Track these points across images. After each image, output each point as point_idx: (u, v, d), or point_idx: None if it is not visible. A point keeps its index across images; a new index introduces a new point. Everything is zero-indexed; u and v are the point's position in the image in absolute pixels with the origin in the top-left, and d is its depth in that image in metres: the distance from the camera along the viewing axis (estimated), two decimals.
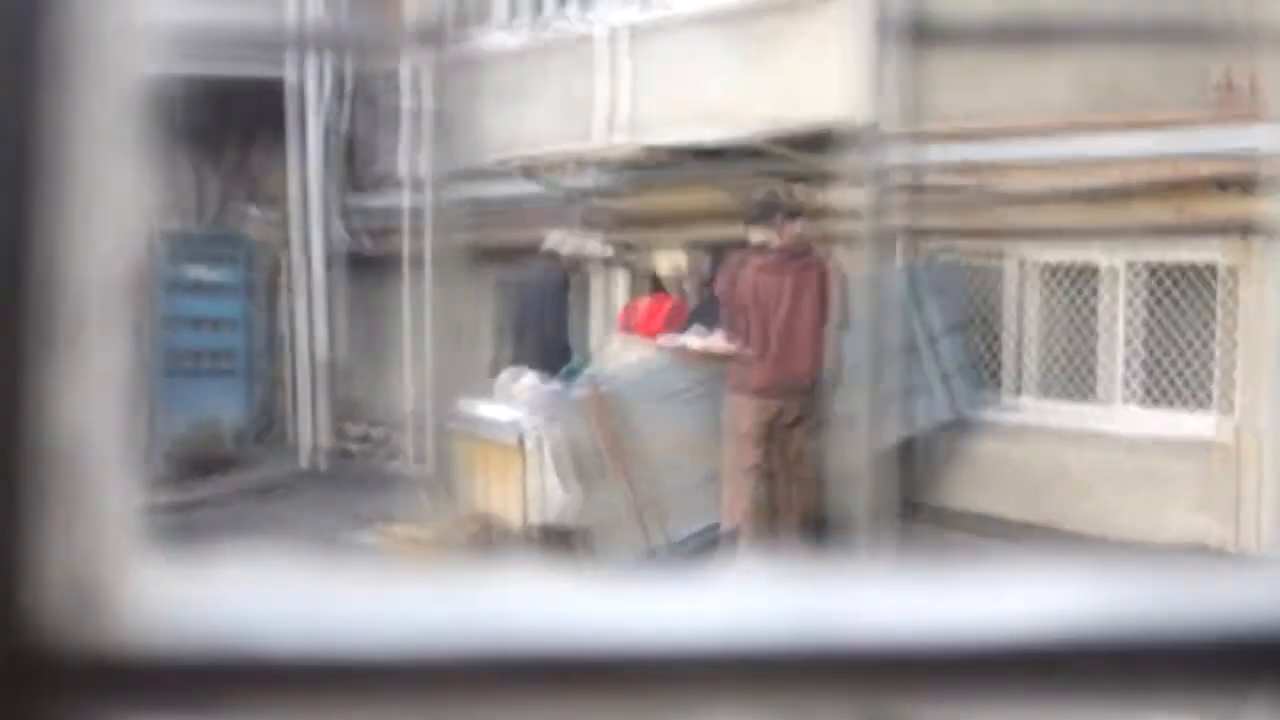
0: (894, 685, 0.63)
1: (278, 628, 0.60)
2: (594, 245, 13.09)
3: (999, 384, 11.90)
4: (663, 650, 0.61)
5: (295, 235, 16.62)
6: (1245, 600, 0.64)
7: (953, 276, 11.79)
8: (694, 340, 10.58)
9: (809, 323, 10.33)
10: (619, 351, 11.62)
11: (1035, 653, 0.63)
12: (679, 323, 11.47)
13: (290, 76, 16.23)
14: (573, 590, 0.63)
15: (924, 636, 0.62)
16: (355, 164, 16.98)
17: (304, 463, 16.26)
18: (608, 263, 14.17)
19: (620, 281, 14.59)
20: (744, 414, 10.20)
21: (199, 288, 17.45)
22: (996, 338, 11.96)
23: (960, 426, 11.57)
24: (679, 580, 0.64)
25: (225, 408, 17.24)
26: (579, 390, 10.80)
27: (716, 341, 10.40)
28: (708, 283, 11.41)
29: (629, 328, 12.21)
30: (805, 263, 10.53)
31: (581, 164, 13.66)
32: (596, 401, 10.36)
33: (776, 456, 10.28)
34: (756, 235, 10.44)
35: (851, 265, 11.73)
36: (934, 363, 11.40)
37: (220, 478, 15.64)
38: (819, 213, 11.62)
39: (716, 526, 10.38)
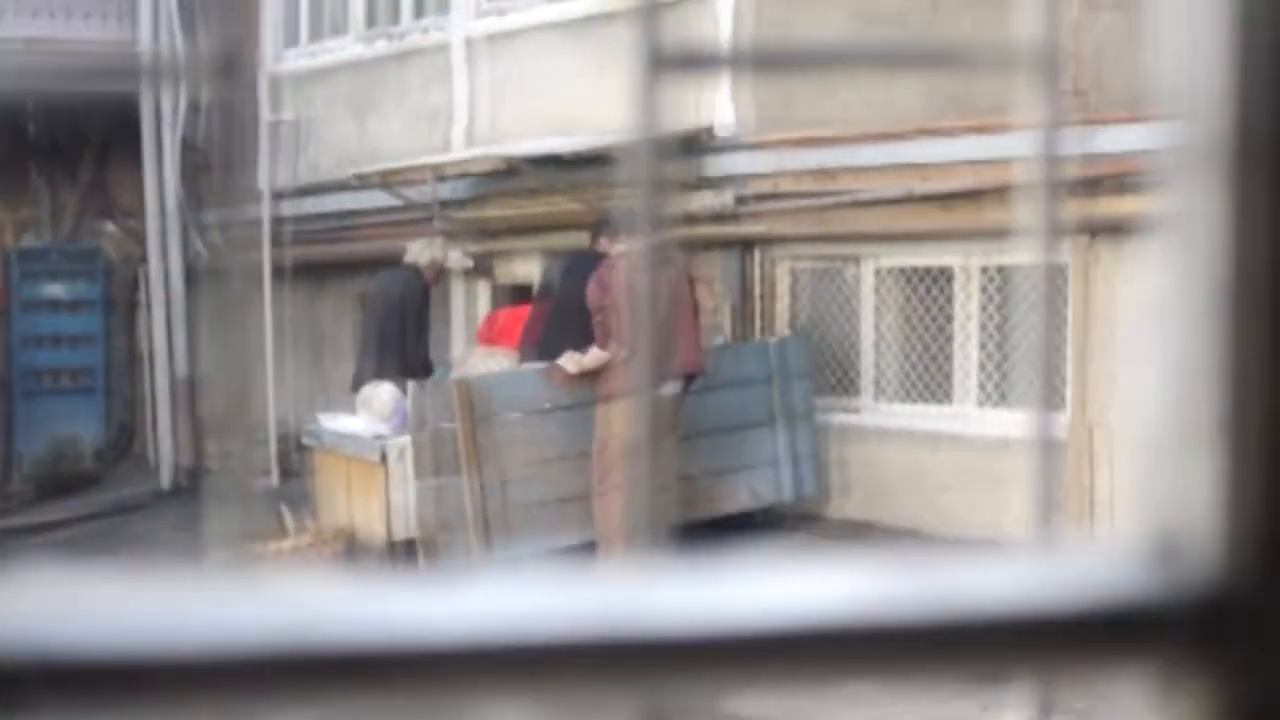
0: (672, 671, 0.67)
1: (84, 632, 0.63)
2: (454, 256, 13.08)
3: (857, 389, 12.04)
4: (454, 645, 0.64)
5: (153, 250, 16.47)
6: (1020, 585, 0.68)
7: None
8: (569, 361, 10.57)
9: (684, 325, 10.44)
10: (480, 362, 11.62)
11: (801, 636, 0.67)
12: (533, 332, 11.46)
13: (145, 91, 16.07)
14: (380, 590, 0.66)
15: (699, 625, 0.66)
16: (213, 177, 16.84)
17: (165, 481, 16.11)
18: (469, 273, 14.17)
19: (482, 292, 14.59)
20: (618, 423, 10.21)
21: (56, 305, 17.27)
22: (853, 343, 12.09)
23: (796, 509, 11.72)
24: (483, 581, 0.68)
25: (85, 426, 17.06)
26: (447, 380, 10.84)
27: (592, 356, 10.39)
28: (552, 292, 11.39)
29: (490, 338, 12.22)
30: (670, 268, 10.61)
31: (439, 175, 13.65)
32: (462, 392, 10.36)
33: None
34: (620, 244, 10.47)
35: (706, 268, 11.84)
36: (789, 443, 11.57)
37: (80, 496, 15.49)
38: (676, 219, 11.70)
39: (561, 550, 10.38)
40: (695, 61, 0.68)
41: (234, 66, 0.66)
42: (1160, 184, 0.70)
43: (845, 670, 0.68)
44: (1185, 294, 0.68)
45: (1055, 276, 0.77)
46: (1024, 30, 0.76)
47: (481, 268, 14.17)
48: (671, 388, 10.39)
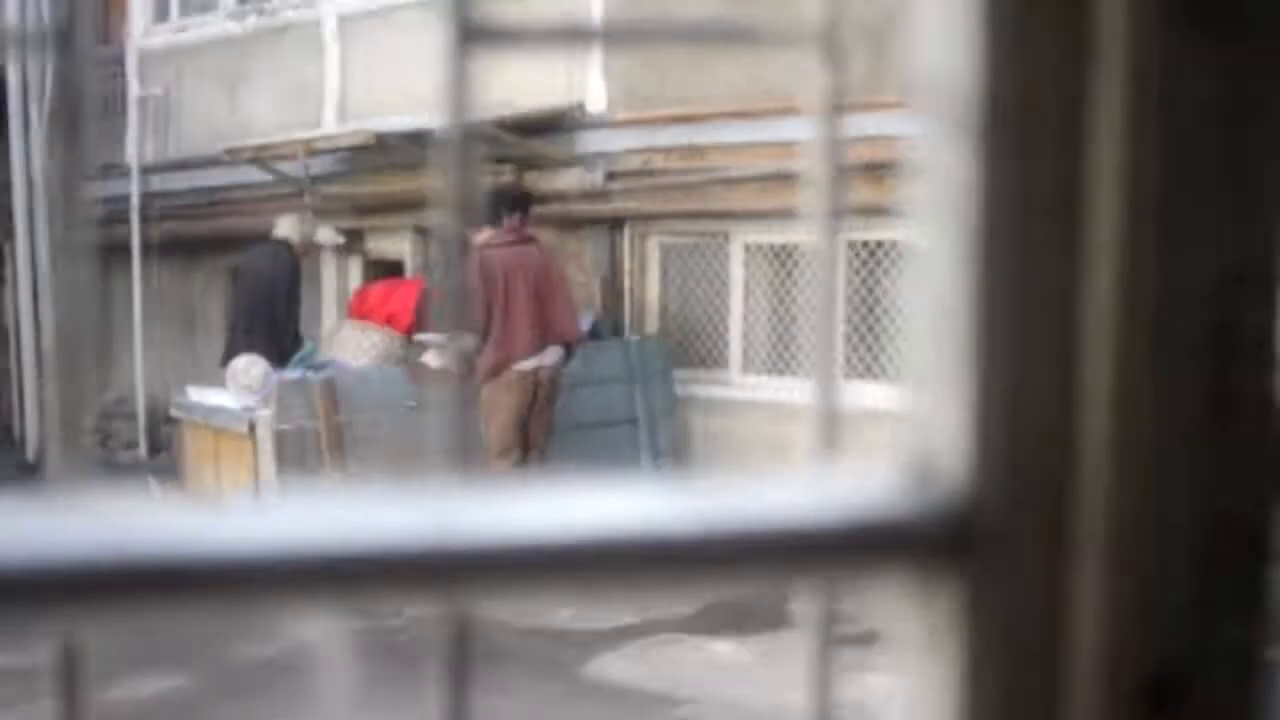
0: (475, 580, 0.74)
1: None
2: (324, 232, 13.07)
3: (725, 362, 12.16)
4: (267, 557, 0.71)
5: (20, 225, 16.32)
6: (795, 503, 0.77)
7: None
8: (431, 356, 10.60)
9: (556, 298, 10.53)
10: (351, 336, 11.63)
11: (594, 547, 0.75)
12: (424, 313, 11.49)
13: (11, 65, 15.92)
14: (204, 509, 0.72)
15: (499, 538, 0.74)
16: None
17: (31, 455, 15.99)
18: (340, 248, 14.15)
19: (353, 267, 14.58)
20: (501, 400, 10.27)
21: None
22: (722, 317, 12.20)
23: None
24: (302, 500, 0.74)
25: None
26: (313, 377, 10.82)
27: (487, 359, 10.42)
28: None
29: (362, 313, 12.23)
30: (537, 245, 10.70)
31: (310, 151, 13.62)
32: (327, 391, 10.37)
33: (520, 446, 10.44)
34: (495, 223, 10.52)
35: (574, 244, 11.89)
36: (649, 441, 11.69)
37: None
38: (545, 197, 11.77)
39: None
40: (505, 36, 0.75)
41: (71, 37, 0.72)
42: (918, 147, 0.79)
43: (635, 579, 0.76)
44: (940, 246, 0.77)
45: (831, 257, 0.86)
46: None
47: (352, 243, 14.17)
48: (553, 356, 10.53)
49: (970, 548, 0.74)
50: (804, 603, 0.80)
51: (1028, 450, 0.74)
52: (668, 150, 11.88)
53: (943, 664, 0.76)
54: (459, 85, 0.75)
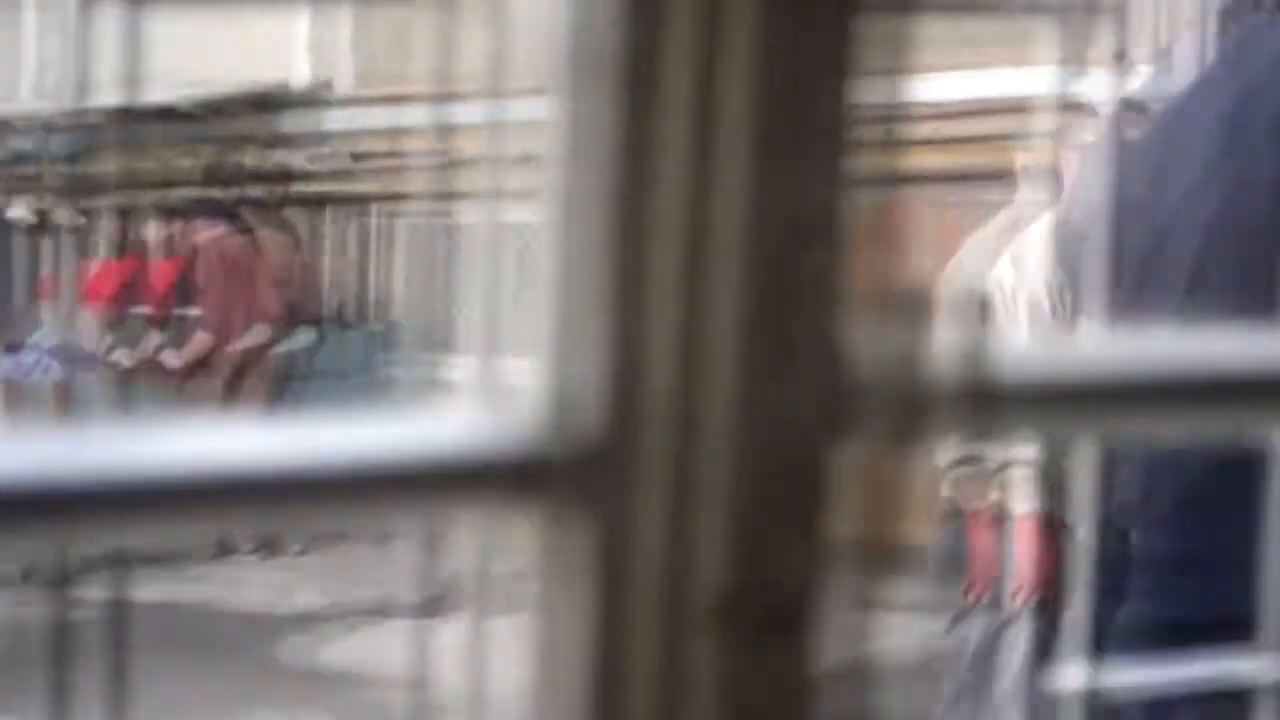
0: (94, 519, 0.76)
1: None
2: (21, 211, 12.81)
3: (458, 347, 12.14)
4: None
5: None
6: (428, 440, 0.80)
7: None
8: (171, 356, 10.49)
9: (252, 279, 10.46)
10: (84, 320, 11.43)
11: (215, 483, 0.76)
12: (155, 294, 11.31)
13: None
14: None
15: (123, 475, 0.75)
16: None
17: None
18: (50, 228, 13.82)
19: (68, 248, 14.24)
20: (215, 385, 10.19)
21: None
22: (454, 300, 12.18)
23: None
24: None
25: None
26: (42, 380, 10.66)
27: (197, 343, 10.32)
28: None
29: (92, 295, 12.00)
30: (241, 226, 10.64)
31: (11, 125, 13.30)
32: (59, 395, 10.27)
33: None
34: (218, 203, 10.45)
35: (303, 227, 11.82)
36: None
37: None
38: (275, 176, 11.68)
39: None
40: None
41: None
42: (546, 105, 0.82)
43: (230, 514, 0.78)
44: (563, 199, 0.80)
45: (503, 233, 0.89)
46: None
47: (69, 223, 13.85)
48: (260, 334, 10.43)
49: (552, 486, 0.77)
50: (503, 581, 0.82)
51: (612, 391, 0.78)
52: (408, 130, 11.83)
53: (535, 606, 0.79)
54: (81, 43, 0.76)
